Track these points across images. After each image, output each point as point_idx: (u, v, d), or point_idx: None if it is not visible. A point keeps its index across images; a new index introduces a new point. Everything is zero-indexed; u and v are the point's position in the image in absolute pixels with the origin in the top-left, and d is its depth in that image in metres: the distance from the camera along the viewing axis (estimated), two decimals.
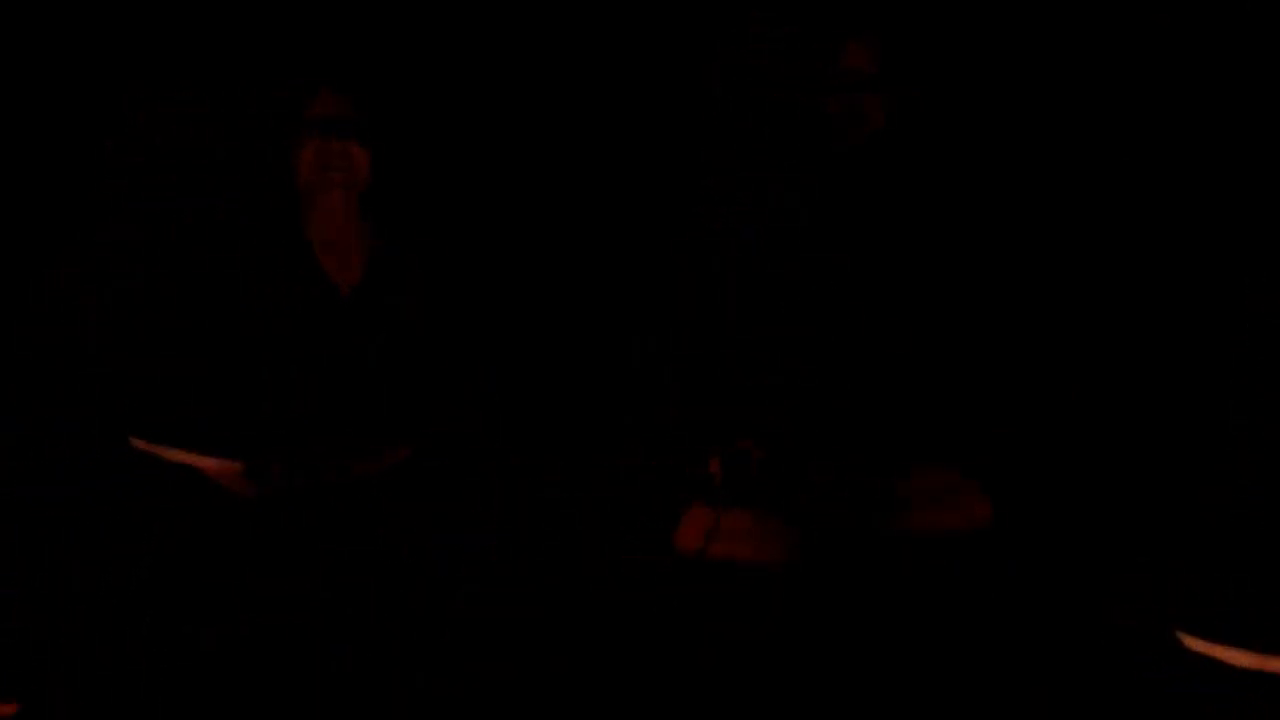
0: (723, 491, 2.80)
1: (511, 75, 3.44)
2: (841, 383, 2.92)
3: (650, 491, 2.79)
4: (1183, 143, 3.15)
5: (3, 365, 2.67)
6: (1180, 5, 3.16)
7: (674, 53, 3.44)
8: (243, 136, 2.94)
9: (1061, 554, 2.66)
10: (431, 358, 2.85)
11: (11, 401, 2.70)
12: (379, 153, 2.79)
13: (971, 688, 2.38)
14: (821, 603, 2.63)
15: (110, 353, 2.86)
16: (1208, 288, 3.04)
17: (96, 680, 2.41)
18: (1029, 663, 2.41)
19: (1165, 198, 3.13)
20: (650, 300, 3.35)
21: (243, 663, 2.49)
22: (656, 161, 3.45)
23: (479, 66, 3.43)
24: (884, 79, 2.88)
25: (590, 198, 3.45)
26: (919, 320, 2.89)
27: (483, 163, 3.42)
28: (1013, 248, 2.92)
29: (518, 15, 3.42)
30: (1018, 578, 2.63)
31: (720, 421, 2.93)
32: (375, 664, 2.48)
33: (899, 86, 2.90)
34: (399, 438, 2.80)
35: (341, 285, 2.84)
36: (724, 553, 2.72)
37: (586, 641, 2.55)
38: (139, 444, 2.54)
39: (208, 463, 2.58)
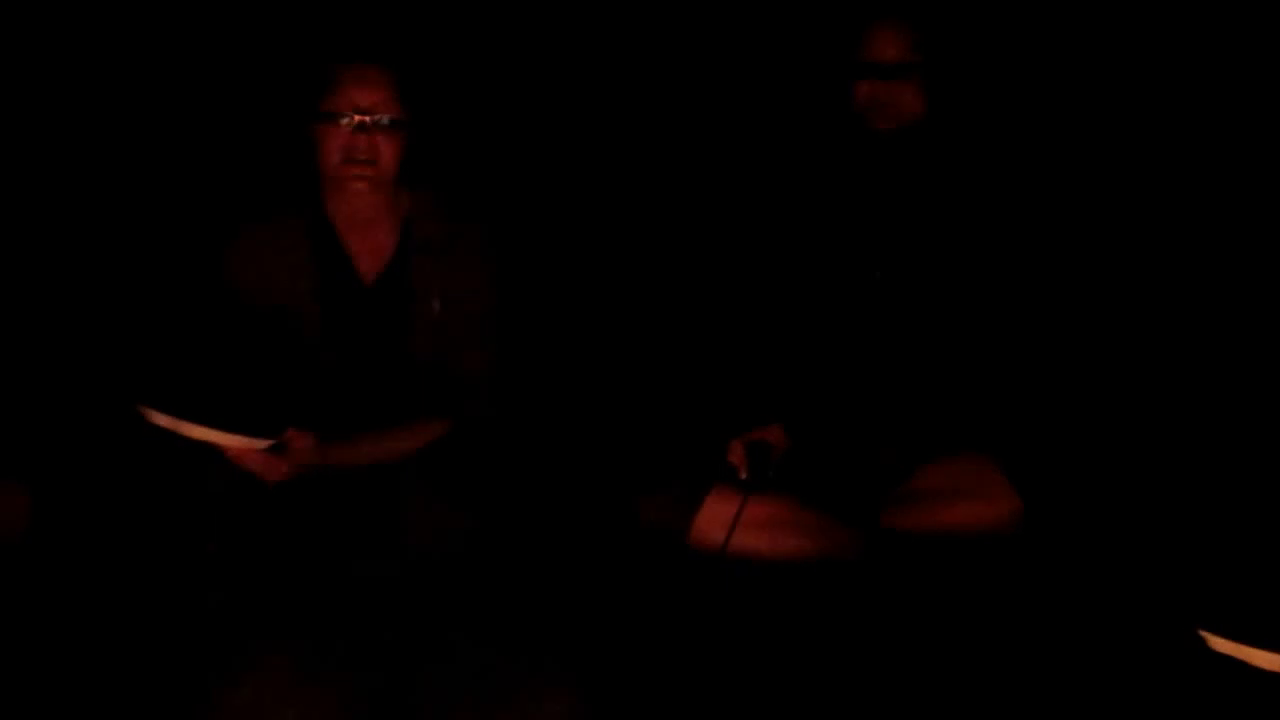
0: (746, 482, 2.79)
1: (538, 64, 3.44)
2: (866, 373, 2.91)
3: (670, 481, 2.78)
4: (1221, 131, 3.13)
5: (28, 341, 2.67)
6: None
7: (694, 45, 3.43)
8: (268, 125, 2.95)
9: (1085, 551, 2.64)
10: (456, 343, 2.85)
11: (38, 379, 2.71)
12: (407, 143, 2.78)
13: (992, 685, 2.36)
14: (842, 598, 2.61)
15: (135, 331, 2.87)
16: (1248, 279, 3.01)
17: (105, 664, 2.41)
18: (1051, 661, 2.39)
19: (1206, 185, 3.11)
20: (672, 288, 3.35)
21: (259, 642, 2.49)
22: (681, 148, 3.44)
23: (504, 57, 3.43)
24: (912, 67, 2.86)
25: (610, 185, 3.45)
26: (946, 311, 2.87)
27: (508, 149, 3.42)
28: (1046, 237, 2.90)
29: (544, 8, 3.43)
30: (1040, 573, 2.61)
31: (743, 411, 2.93)
32: (395, 645, 2.48)
33: (930, 75, 2.88)
34: (425, 419, 2.80)
35: (365, 273, 2.84)
36: (745, 544, 2.71)
37: (603, 630, 2.54)
38: (161, 420, 2.53)
39: (230, 441, 2.57)
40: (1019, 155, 2.95)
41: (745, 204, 3.19)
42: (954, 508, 2.73)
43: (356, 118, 2.72)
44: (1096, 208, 3.07)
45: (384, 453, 2.76)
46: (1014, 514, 2.71)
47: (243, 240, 2.82)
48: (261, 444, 2.60)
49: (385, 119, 2.73)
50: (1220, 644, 2.01)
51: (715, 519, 2.72)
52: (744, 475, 2.82)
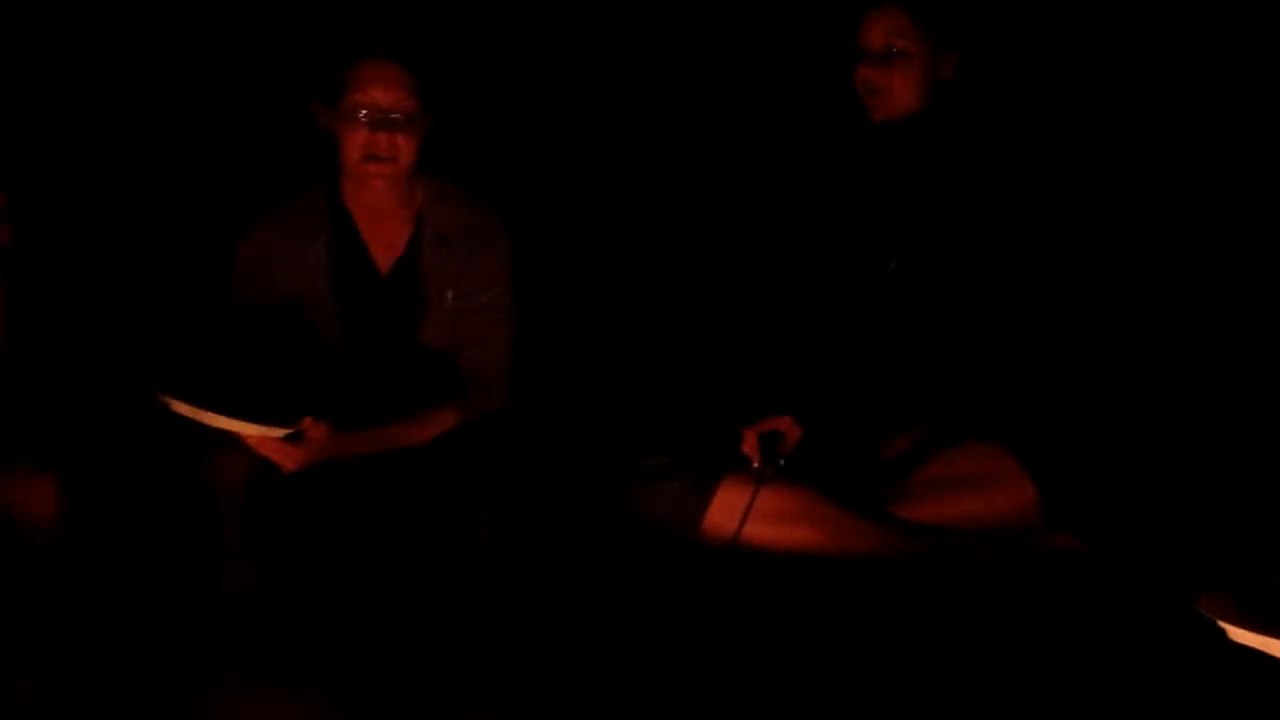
0: (758, 472, 2.80)
1: (549, 58, 3.45)
2: (877, 362, 2.91)
3: (682, 470, 2.78)
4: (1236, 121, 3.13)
5: (52, 331, 2.67)
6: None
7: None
8: (289, 119, 2.95)
9: (1101, 540, 2.65)
10: (469, 333, 2.85)
11: (62, 369, 2.71)
12: (426, 139, 2.78)
13: (1006, 674, 2.37)
14: (855, 590, 2.62)
15: (155, 321, 2.87)
16: (1260, 263, 3.02)
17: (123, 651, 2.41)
18: (1068, 652, 2.40)
19: (1216, 164, 3.11)
20: (684, 278, 3.36)
21: (275, 625, 2.50)
22: (693, 140, 3.44)
23: (516, 50, 3.43)
24: (902, 53, 2.86)
25: (622, 176, 3.45)
26: (958, 299, 2.87)
27: (520, 141, 3.42)
28: (1056, 224, 2.90)
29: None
30: (1056, 563, 2.62)
31: (755, 401, 2.93)
32: (405, 630, 2.48)
33: (923, 62, 2.88)
34: (439, 408, 2.81)
35: (381, 264, 2.84)
36: (757, 535, 2.71)
37: (613, 621, 2.55)
38: (180, 408, 2.53)
39: (249, 429, 2.58)
40: (1025, 142, 2.94)
41: (756, 195, 3.20)
42: (968, 497, 2.72)
43: (377, 115, 2.73)
44: (1106, 193, 3.07)
45: (398, 442, 2.77)
46: (1029, 503, 2.71)
47: (260, 231, 2.83)
48: (279, 432, 2.61)
49: (404, 116, 2.74)
50: (1240, 634, 2.02)
51: (727, 509, 2.71)
52: (756, 465, 2.83)
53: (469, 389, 2.84)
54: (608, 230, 3.41)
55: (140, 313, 2.99)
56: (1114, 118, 3.20)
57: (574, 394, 3.14)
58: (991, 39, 3.00)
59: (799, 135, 3.19)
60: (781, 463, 2.82)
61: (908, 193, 2.91)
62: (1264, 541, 2.38)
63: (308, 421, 2.63)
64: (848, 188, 2.99)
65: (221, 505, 2.60)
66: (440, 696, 2.32)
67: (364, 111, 2.74)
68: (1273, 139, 3.07)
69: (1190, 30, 3.15)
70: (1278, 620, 1.98)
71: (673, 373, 3.23)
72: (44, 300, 2.66)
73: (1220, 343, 2.98)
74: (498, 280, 2.89)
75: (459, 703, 2.31)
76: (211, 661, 2.40)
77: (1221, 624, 2.04)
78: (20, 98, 3.06)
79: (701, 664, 2.41)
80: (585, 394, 3.16)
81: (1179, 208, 3.11)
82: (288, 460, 2.63)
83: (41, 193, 2.73)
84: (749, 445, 2.85)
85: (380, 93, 2.74)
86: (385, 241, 2.86)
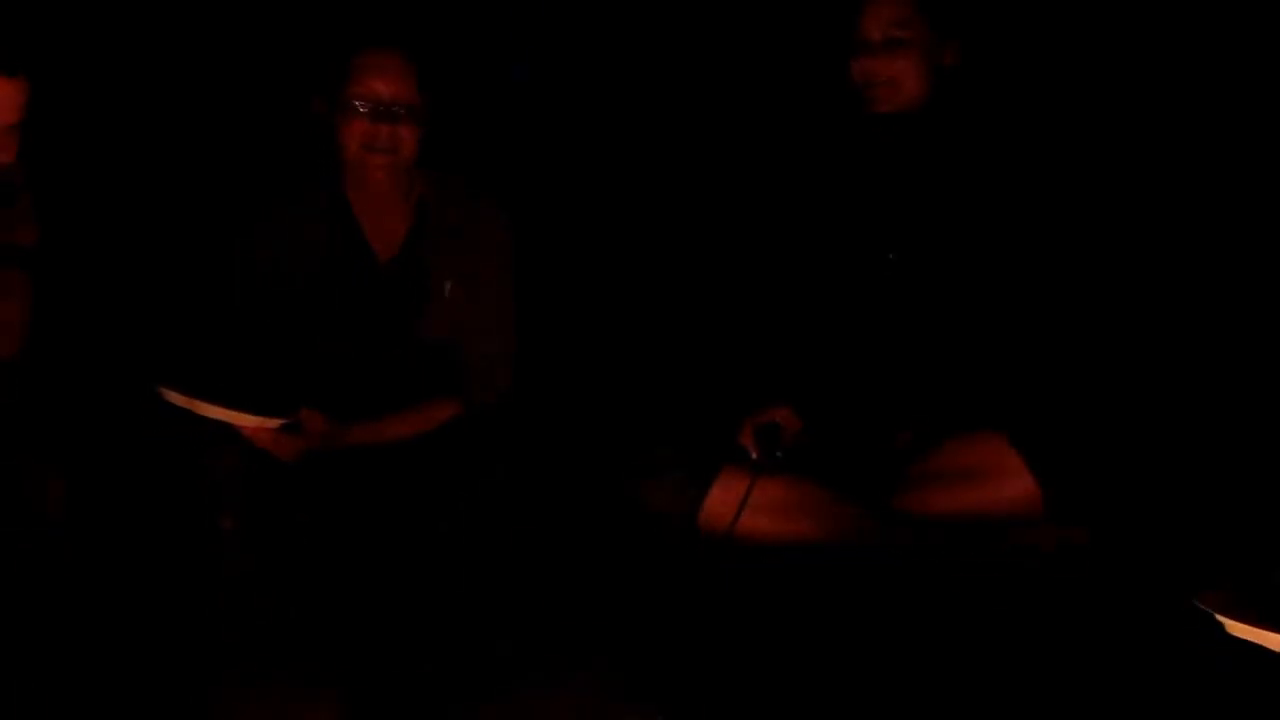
0: (757, 462, 2.79)
1: (549, 50, 3.44)
2: (878, 354, 2.91)
3: (680, 460, 2.78)
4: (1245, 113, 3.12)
5: (51, 325, 2.66)
6: None
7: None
8: (288, 109, 2.95)
9: (1102, 532, 2.64)
10: (468, 324, 2.84)
11: (60, 361, 2.71)
12: (428, 131, 2.78)
13: (1003, 662, 2.37)
14: (854, 582, 2.62)
15: (152, 311, 2.87)
16: (1263, 255, 3.02)
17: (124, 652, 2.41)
18: (1064, 643, 2.40)
19: (1218, 157, 3.10)
20: (683, 270, 3.36)
21: (273, 617, 2.50)
22: (692, 132, 3.44)
23: (516, 42, 3.43)
24: (902, 43, 2.84)
25: (621, 168, 3.45)
26: (959, 291, 2.87)
27: (520, 133, 3.42)
28: (1057, 216, 2.89)
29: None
30: (1055, 556, 2.62)
31: (754, 392, 2.93)
32: (404, 622, 2.48)
33: (924, 53, 2.87)
34: (438, 400, 2.80)
35: (380, 254, 2.84)
36: (755, 526, 2.71)
37: (611, 609, 2.55)
38: (176, 398, 2.53)
39: (245, 420, 2.57)
40: (1026, 134, 2.94)
41: (755, 187, 3.20)
42: (969, 489, 2.72)
43: (377, 106, 2.72)
44: (1108, 184, 3.06)
45: (395, 433, 2.77)
46: (1030, 496, 2.70)
47: (258, 221, 2.83)
48: (275, 423, 2.61)
49: (405, 108, 2.73)
50: (1238, 628, 2.01)
51: (725, 500, 2.71)
52: (755, 456, 2.82)
53: (468, 382, 2.84)
54: (607, 222, 3.41)
55: (136, 304, 2.98)
56: (1116, 107, 3.19)
57: (573, 386, 3.13)
58: (992, 26, 2.99)
59: (799, 125, 3.18)
60: (779, 454, 2.81)
61: (909, 184, 2.91)
62: (1263, 534, 2.38)
63: (304, 412, 2.63)
64: (848, 179, 2.98)
65: (220, 499, 2.60)
66: (440, 696, 2.32)
67: (364, 103, 2.73)
68: (1273, 126, 3.06)
69: (1192, 22, 3.14)
70: (1275, 614, 1.98)
71: (672, 364, 3.23)
72: (57, 298, 2.66)
73: (1221, 335, 2.98)
74: (498, 272, 2.88)
75: (459, 703, 2.30)
76: (210, 659, 2.39)
77: (1219, 617, 2.04)
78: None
79: (703, 659, 2.40)
80: (584, 386, 3.15)
81: (1181, 202, 3.10)
82: (283, 451, 2.63)
83: (61, 191, 2.72)
84: (746, 437, 2.85)
85: (381, 84, 2.73)
86: (384, 233, 2.85)
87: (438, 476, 2.71)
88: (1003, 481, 2.71)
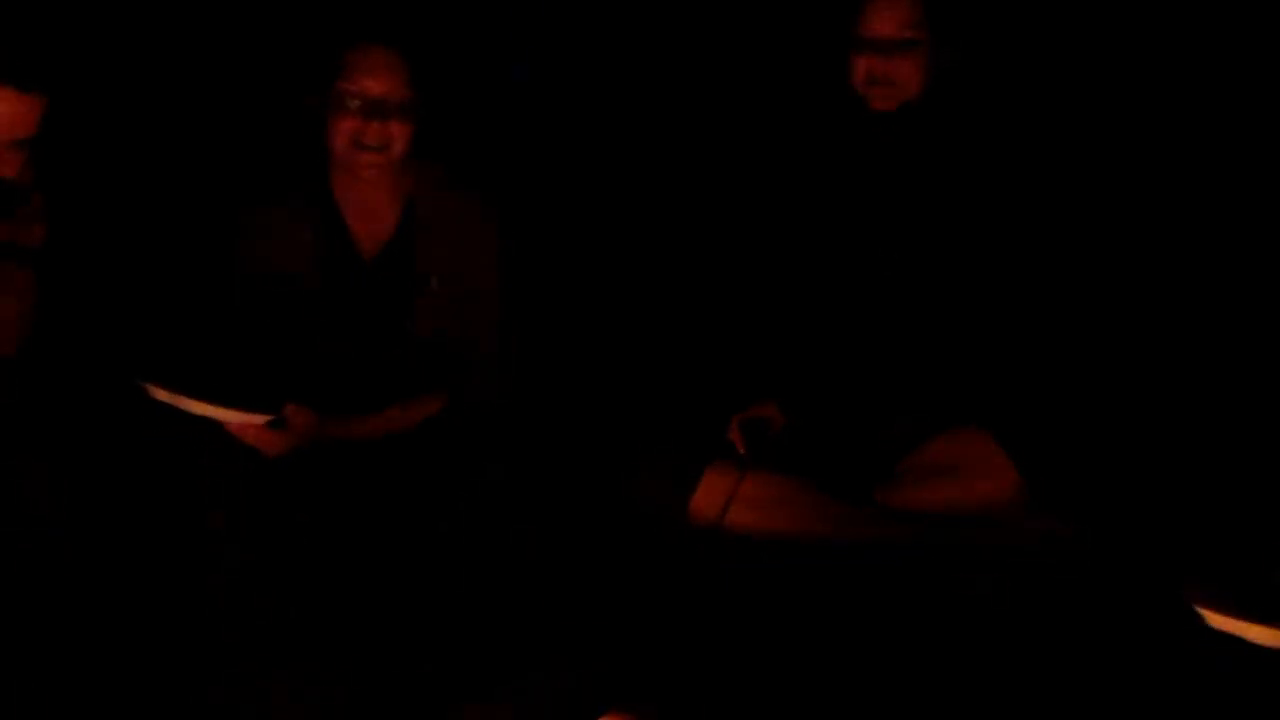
0: (744, 458, 2.80)
1: (542, 46, 3.44)
2: (864, 350, 2.92)
3: (668, 456, 2.78)
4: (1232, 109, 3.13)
5: (54, 325, 2.67)
6: None
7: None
8: (277, 104, 2.95)
9: (1083, 526, 2.65)
10: (456, 319, 2.85)
11: (41, 350, 2.71)
12: (418, 127, 2.78)
13: (988, 656, 2.37)
14: (839, 576, 2.62)
15: (137, 307, 2.87)
16: (1244, 256, 3.02)
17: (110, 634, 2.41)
18: (1046, 636, 2.40)
19: (1207, 159, 3.11)
20: (670, 266, 3.36)
21: (256, 615, 2.50)
22: (681, 128, 3.44)
23: (507, 38, 3.43)
24: (912, 43, 2.85)
25: (609, 164, 3.45)
26: (945, 288, 2.88)
27: (509, 129, 3.42)
28: (1046, 215, 2.90)
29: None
30: (1037, 548, 2.62)
31: (742, 388, 2.93)
32: (394, 620, 2.48)
33: (930, 52, 2.87)
34: (425, 395, 2.80)
35: (368, 249, 2.84)
36: (742, 520, 2.71)
37: (603, 605, 2.55)
38: (161, 394, 2.53)
39: (230, 415, 2.57)
40: (1020, 134, 2.95)
41: (742, 183, 3.20)
42: (953, 484, 2.73)
43: (368, 103, 2.72)
44: (1096, 186, 3.07)
45: (382, 429, 2.76)
46: (1013, 489, 2.71)
47: (246, 216, 2.82)
48: (261, 419, 2.60)
49: (396, 105, 2.73)
50: (1218, 620, 2.02)
51: (713, 495, 2.72)
52: (742, 452, 2.83)
53: (457, 378, 2.84)
54: (595, 218, 3.41)
55: (125, 300, 2.98)
56: (1107, 103, 3.20)
57: (562, 382, 3.13)
58: (990, 26, 3.00)
59: (792, 122, 3.18)
60: (769, 451, 2.82)
61: (899, 181, 2.91)
62: (1244, 527, 2.38)
63: (290, 408, 2.63)
64: (839, 176, 2.98)
65: (208, 497, 2.60)
66: (438, 696, 2.32)
67: (355, 99, 2.73)
68: (1263, 122, 3.06)
69: (1187, 23, 3.15)
70: (1255, 606, 1.99)
71: (660, 361, 3.23)
72: (58, 296, 2.66)
73: (1200, 331, 2.98)
74: (487, 267, 2.88)
75: (457, 702, 2.31)
76: (208, 657, 2.40)
77: (1200, 610, 2.05)
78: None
79: (694, 654, 2.41)
80: (573, 382, 3.16)
81: (1165, 199, 3.11)
82: (270, 447, 2.63)
83: (60, 189, 2.72)
84: (734, 432, 2.86)
85: (372, 81, 2.73)
86: (373, 227, 2.85)
87: (433, 475, 2.71)
88: (986, 475, 2.72)
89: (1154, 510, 2.60)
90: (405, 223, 2.84)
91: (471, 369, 2.85)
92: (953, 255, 2.87)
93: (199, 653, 2.38)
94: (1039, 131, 3.00)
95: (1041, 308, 2.85)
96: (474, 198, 2.88)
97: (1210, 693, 2.15)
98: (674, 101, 3.44)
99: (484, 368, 2.86)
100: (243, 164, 3.04)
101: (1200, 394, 2.87)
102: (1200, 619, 2.04)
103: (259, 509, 2.62)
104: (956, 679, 2.34)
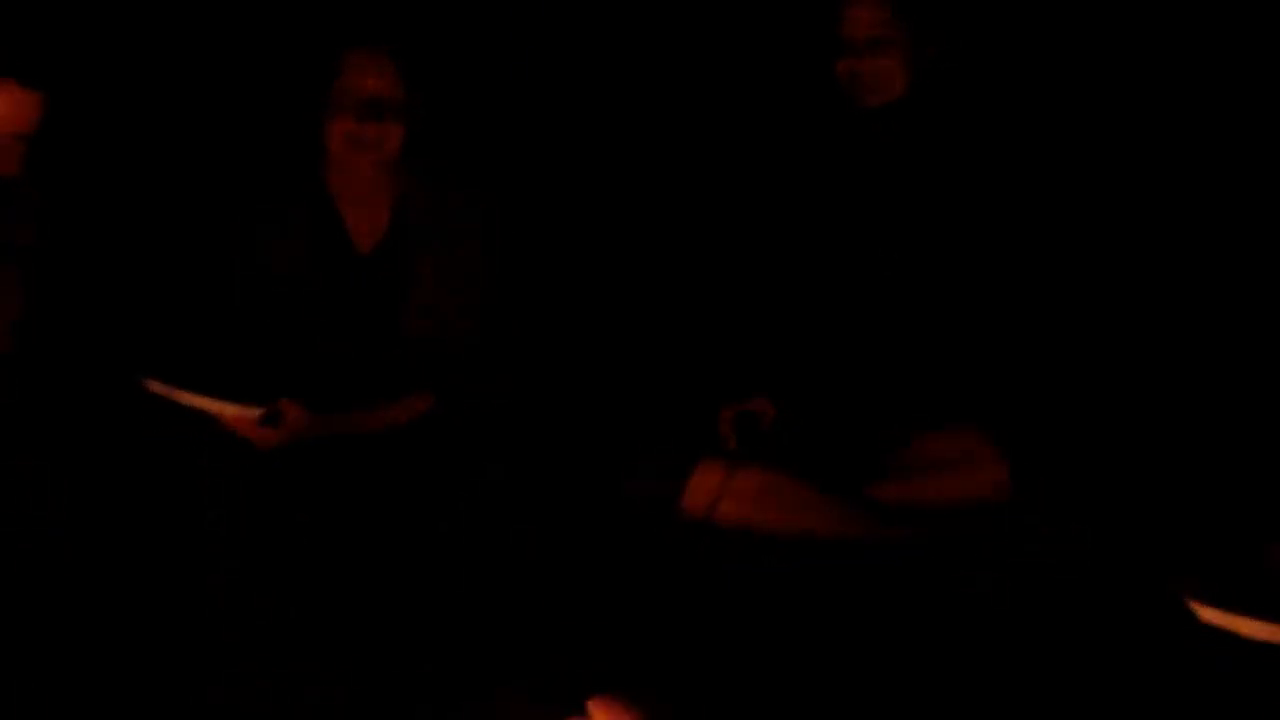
0: (734, 451, 2.81)
1: (535, 46, 3.44)
2: (855, 346, 2.92)
3: (659, 450, 2.79)
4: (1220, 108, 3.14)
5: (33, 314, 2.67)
6: None
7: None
8: (272, 103, 2.95)
9: (1074, 520, 2.66)
10: (448, 315, 2.85)
11: (34, 347, 2.71)
12: (411, 127, 2.78)
13: (980, 652, 2.38)
14: (830, 570, 2.63)
15: (132, 301, 2.86)
16: (1233, 252, 3.03)
17: (102, 628, 2.41)
18: (1037, 630, 2.41)
19: (1195, 154, 3.12)
20: (662, 261, 3.36)
21: (253, 612, 2.50)
22: (672, 126, 3.45)
23: (502, 37, 3.42)
24: (888, 41, 2.86)
25: (601, 161, 3.45)
26: (936, 284, 2.88)
27: (502, 126, 3.42)
28: (1036, 210, 2.91)
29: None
30: (1029, 543, 2.63)
31: (733, 382, 2.94)
32: (386, 616, 2.49)
33: (910, 48, 2.88)
34: (418, 390, 2.81)
35: (361, 245, 2.84)
36: (732, 513, 2.72)
37: (594, 600, 2.55)
38: (155, 387, 2.53)
39: (224, 409, 2.58)
40: (1010, 128, 2.96)
41: (733, 179, 3.20)
42: (944, 479, 2.74)
43: (363, 103, 2.72)
44: (1087, 180, 3.08)
45: (374, 423, 2.77)
46: (1003, 483, 2.72)
47: (240, 211, 2.82)
48: (254, 413, 2.61)
49: (392, 105, 2.73)
50: (1209, 614, 2.03)
51: (704, 490, 2.72)
52: (733, 446, 2.84)
53: (450, 374, 2.84)
54: (588, 215, 3.41)
55: (120, 296, 2.98)
56: (1097, 97, 3.20)
57: (554, 378, 3.13)
58: (972, 20, 3.00)
59: (785, 120, 3.19)
60: (760, 445, 2.83)
61: (891, 177, 2.92)
62: (1233, 521, 2.40)
63: (283, 402, 2.63)
64: (831, 172, 2.99)
65: (203, 493, 2.60)
66: (438, 695, 2.32)
67: (351, 99, 2.74)
68: (1249, 115, 3.08)
69: (1174, 16, 3.16)
70: (1245, 600, 2.00)
71: (652, 355, 3.24)
72: (54, 293, 2.66)
73: (1187, 327, 3.00)
74: (478, 264, 2.88)
75: (455, 701, 2.31)
76: (207, 657, 2.40)
77: (1191, 604, 2.06)
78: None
79: (693, 651, 2.41)
80: (565, 377, 3.16)
81: (1153, 194, 3.12)
82: (262, 441, 2.63)
83: (53, 187, 2.72)
84: (725, 426, 2.86)
85: (368, 81, 2.74)
86: (366, 224, 2.85)
87: (429, 473, 2.71)
88: (977, 470, 2.73)
89: (1145, 504, 2.61)
90: (399, 220, 2.85)
91: (459, 367, 2.85)
92: (944, 250, 2.88)
93: (199, 652, 2.38)
94: (1030, 126, 3.01)
95: (1033, 302, 2.86)
96: (469, 194, 2.88)
97: (1202, 687, 2.16)
98: (667, 98, 3.44)
99: (471, 366, 2.86)
100: (239, 161, 3.04)
101: (1190, 389, 2.88)
102: (1192, 613, 2.05)
103: (256, 506, 2.62)
104: (948, 673, 2.34)
